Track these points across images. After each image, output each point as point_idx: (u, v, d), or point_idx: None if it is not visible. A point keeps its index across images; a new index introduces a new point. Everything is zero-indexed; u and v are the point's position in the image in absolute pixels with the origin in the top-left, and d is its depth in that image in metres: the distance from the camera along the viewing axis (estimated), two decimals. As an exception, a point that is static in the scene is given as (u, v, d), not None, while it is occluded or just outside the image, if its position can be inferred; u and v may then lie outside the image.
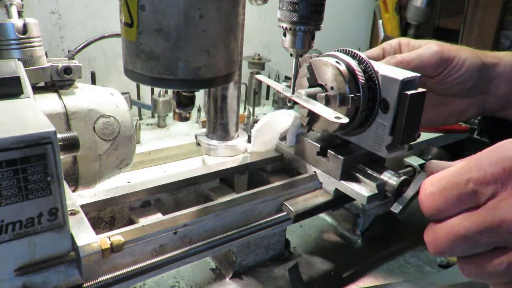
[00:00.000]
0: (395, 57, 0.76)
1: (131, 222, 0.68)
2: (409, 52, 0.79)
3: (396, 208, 0.64)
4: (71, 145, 0.56)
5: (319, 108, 0.67)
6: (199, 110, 1.30)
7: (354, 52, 0.69)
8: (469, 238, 0.45)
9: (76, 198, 0.62)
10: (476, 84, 0.81)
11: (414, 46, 0.80)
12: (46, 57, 0.76)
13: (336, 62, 0.68)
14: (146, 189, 0.69)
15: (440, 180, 0.48)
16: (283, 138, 0.84)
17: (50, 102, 0.71)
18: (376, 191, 0.69)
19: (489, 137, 1.13)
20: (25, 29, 0.72)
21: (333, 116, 0.64)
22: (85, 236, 0.51)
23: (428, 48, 0.77)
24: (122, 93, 0.81)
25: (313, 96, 0.69)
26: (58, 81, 0.74)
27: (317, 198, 0.74)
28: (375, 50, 0.81)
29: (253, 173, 0.84)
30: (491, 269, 0.46)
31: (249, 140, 0.93)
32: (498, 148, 0.45)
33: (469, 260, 0.47)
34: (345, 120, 0.64)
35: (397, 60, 0.74)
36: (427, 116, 0.82)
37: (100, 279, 0.52)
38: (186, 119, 0.77)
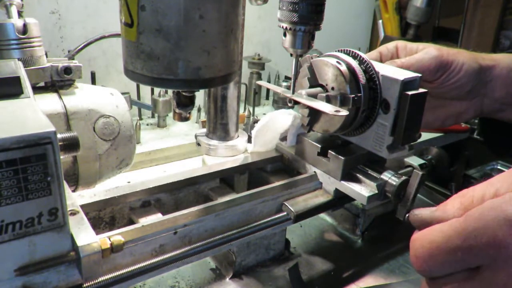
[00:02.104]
0: (394, 62, 0.76)
1: (131, 222, 0.68)
2: (406, 55, 0.79)
3: (400, 214, 0.64)
4: (71, 145, 0.56)
5: (319, 104, 0.67)
6: (199, 110, 1.30)
7: (355, 52, 0.69)
8: None
9: (76, 198, 0.62)
10: (474, 87, 0.81)
11: (412, 49, 0.81)
12: (46, 57, 0.76)
13: (337, 62, 0.68)
14: (146, 189, 0.69)
15: (430, 242, 0.46)
16: (283, 138, 0.84)
17: (50, 102, 0.71)
18: (376, 191, 0.69)
19: (485, 138, 1.13)
20: (25, 29, 0.72)
21: (333, 110, 0.64)
22: (85, 236, 0.51)
23: (427, 52, 0.77)
24: (122, 93, 0.81)
25: (313, 97, 0.69)
26: (58, 81, 0.74)
27: (317, 198, 0.74)
28: (373, 54, 0.82)
29: (253, 173, 0.84)
30: None
31: (249, 140, 0.93)
32: (492, 208, 0.42)
33: None
34: (345, 113, 0.64)
35: (396, 66, 0.75)
36: (425, 118, 0.82)
37: (100, 279, 0.52)
38: (186, 119, 0.77)
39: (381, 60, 0.81)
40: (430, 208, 0.50)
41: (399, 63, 0.76)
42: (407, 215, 0.60)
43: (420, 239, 0.48)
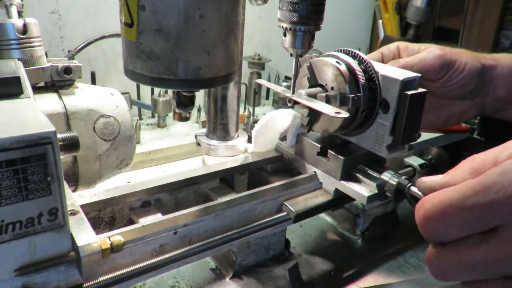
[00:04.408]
0: (398, 61, 0.76)
1: (131, 222, 0.68)
2: (408, 56, 0.79)
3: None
4: (71, 145, 0.56)
5: (319, 105, 0.67)
6: (199, 110, 1.30)
7: (355, 52, 0.69)
8: (478, 268, 0.42)
9: (76, 198, 0.62)
10: (476, 86, 0.81)
11: (413, 50, 0.81)
12: (46, 57, 0.76)
13: (337, 62, 0.68)
14: (146, 189, 0.69)
15: (442, 201, 0.43)
16: (283, 138, 0.84)
17: (50, 102, 0.71)
18: (376, 191, 0.69)
19: (486, 138, 1.13)
20: (25, 29, 0.72)
21: (333, 111, 0.64)
22: (85, 236, 0.51)
23: (430, 51, 0.78)
24: (122, 93, 0.81)
25: (313, 96, 0.69)
26: (58, 81, 0.74)
27: (317, 198, 0.74)
28: (374, 54, 0.82)
29: (253, 173, 0.84)
30: None
31: (249, 140, 0.93)
32: (508, 170, 0.40)
33: (476, 284, 0.45)
34: (345, 114, 0.64)
35: (400, 65, 0.75)
36: (427, 118, 0.82)
37: (100, 279, 0.52)
38: (186, 119, 0.77)
39: (382, 61, 0.81)
40: (439, 176, 0.48)
41: (403, 63, 0.76)
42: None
43: (430, 200, 0.44)
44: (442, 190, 0.44)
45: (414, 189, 0.61)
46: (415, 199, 0.63)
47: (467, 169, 0.45)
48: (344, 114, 0.64)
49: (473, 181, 0.42)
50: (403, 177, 0.67)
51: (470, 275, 0.44)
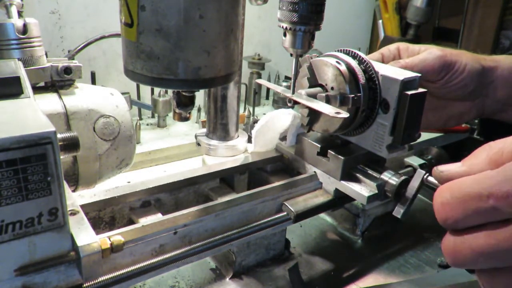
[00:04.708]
0: (398, 62, 0.76)
1: (131, 222, 0.68)
2: (408, 56, 0.79)
3: (397, 212, 0.64)
4: (71, 145, 0.56)
5: (319, 105, 0.67)
6: (199, 110, 1.30)
7: (355, 52, 0.69)
8: (493, 256, 0.43)
9: (76, 198, 0.62)
10: (476, 87, 0.81)
11: (414, 50, 0.81)
12: (46, 57, 0.76)
13: (337, 62, 0.68)
14: (146, 189, 0.69)
15: (459, 189, 0.45)
16: (283, 138, 0.84)
17: (50, 102, 0.71)
18: (376, 191, 0.69)
19: (486, 138, 1.14)
20: (25, 29, 0.72)
21: (333, 111, 0.64)
22: (85, 236, 0.51)
23: (431, 52, 0.78)
24: (122, 93, 0.81)
25: (313, 96, 0.69)
26: (58, 81, 0.74)
27: (317, 198, 0.74)
28: (374, 55, 0.82)
29: (253, 173, 0.84)
30: None
31: (249, 140, 0.93)
32: None
33: (491, 273, 0.45)
34: (345, 114, 0.64)
35: (400, 65, 0.75)
36: (428, 119, 0.82)
37: (100, 279, 0.52)
38: (186, 119, 0.77)
39: (383, 61, 0.81)
40: (455, 164, 0.48)
41: (403, 63, 0.76)
42: (403, 211, 0.60)
43: (449, 188, 0.46)
44: (461, 179, 0.45)
45: (431, 179, 0.60)
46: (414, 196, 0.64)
47: (484, 158, 0.46)
48: (344, 114, 0.64)
49: (492, 172, 0.43)
50: (404, 177, 0.67)
51: (486, 263, 0.45)
